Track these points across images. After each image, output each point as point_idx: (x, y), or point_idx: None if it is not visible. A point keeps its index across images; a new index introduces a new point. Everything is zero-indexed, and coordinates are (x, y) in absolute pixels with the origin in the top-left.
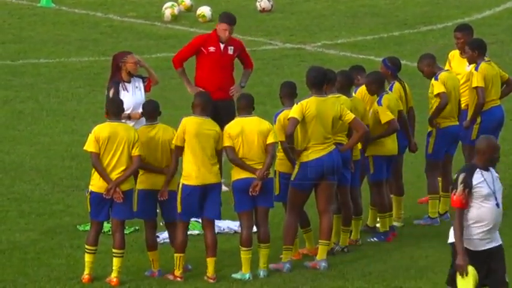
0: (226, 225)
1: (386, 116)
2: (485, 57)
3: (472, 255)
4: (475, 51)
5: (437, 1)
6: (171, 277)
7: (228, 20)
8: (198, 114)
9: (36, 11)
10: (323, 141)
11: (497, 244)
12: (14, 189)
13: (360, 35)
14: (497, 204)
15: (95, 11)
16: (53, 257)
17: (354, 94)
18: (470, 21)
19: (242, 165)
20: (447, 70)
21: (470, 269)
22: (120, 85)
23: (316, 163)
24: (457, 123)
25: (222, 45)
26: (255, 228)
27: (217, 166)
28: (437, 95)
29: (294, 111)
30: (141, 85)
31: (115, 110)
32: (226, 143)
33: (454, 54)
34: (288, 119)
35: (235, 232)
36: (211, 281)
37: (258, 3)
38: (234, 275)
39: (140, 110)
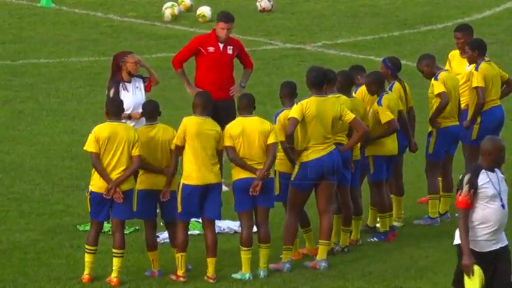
0: (227, 225)
1: (386, 116)
2: (485, 57)
3: (478, 256)
4: (475, 51)
5: (437, 1)
6: (174, 277)
7: (226, 18)
8: (199, 114)
9: (36, 11)
10: (323, 141)
11: (503, 245)
12: (14, 189)
13: (360, 35)
14: (503, 205)
15: (95, 11)
16: (53, 257)
17: (354, 94)
18: (470, 21)
19: (243, 165)
20: (446, 70)
21: (476, 268)
22: (121, 85)
23: (316, 163)
24: (457, 123)
25: (221, 45)
26: (255, 228)
27: (218, 166)
28: (438, 94)
29: (294, 111)
30: (142, 85)
31: (115, 110)
32: (227, 142)
33: (454, 54)
34: (288, 119)
35: (235, 232)
36: (212, 281)
37: (258, 3)
38: (234, 275)
39: (140, 110)
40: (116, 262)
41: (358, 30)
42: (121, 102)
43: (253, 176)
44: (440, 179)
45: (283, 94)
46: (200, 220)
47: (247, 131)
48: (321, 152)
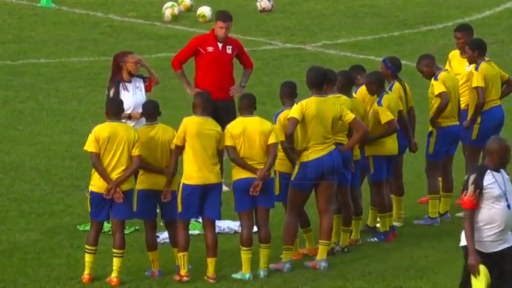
0: (227, 225)
1: (386, 116)
2: (485, 57)
3: (484, 257)
4: (475, 51)
5: (437, 1)
6: (177, 278)
7: (224, 17)
8: (199, 114)
9: (36, 11)
10: (323, 141)
11: (509, 245)
12: (14, 189)
13: (360, 35)
14: (509, 206)
15: (95, 11)
16: (53, 257)
17: (354, 95)
18: (470, 21)
19: (243, 164)
20: (446, 70)
21: (482, 268)
22: (121, 85)
23: (316, 163)
24: (457, 123)
25: (220, 45)
26: (255, 228)
27: (218, 166)
28: (438, 94)
29: (294, 111)
30: (142, 85)
31: (115, 110)
32: (228, 142)
33: (454, 54)
34: (288, 119)
35: (236, 232)
36: (212, 281)
37: (258, 3)
38: (234, 275)
39: (140, 110)
40: (116, 262)
41: (358, 30)
42: (121, 102)
43: (254, 176)
44: (440, 179)
45: (283, 94)
46: (200, 220)
47: (248, 131)
48: (321, 152)
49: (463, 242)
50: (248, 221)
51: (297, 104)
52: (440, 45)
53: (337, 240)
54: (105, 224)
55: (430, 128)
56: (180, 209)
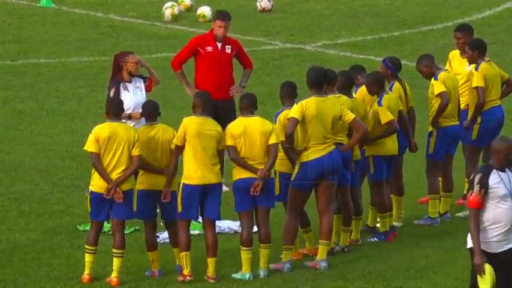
0: (227, 225)
1: (386, 116)
2: (485, 57)
3: (490, 258)
4: (475, 51)
5: (437, 1)
6: (181, 278)
7: (222, 16)
8: (199, 114)
9: (36, 11)
10: (323, 141)
11: None
12: (14, 189)
13: (360, 35)
14: None
15: (95, 11)
16: (53, 257)
17: (354, 95)
18: (470, 21)
19: (244, 164)
20: (446, 70)
21: (487, 267)
22: (121, 85)
23: (316, 163)
24: (457, 123)
25: (219, 45)
26: (255, 228)
27: (218, 166)
28: (439, 94)
29: (294, 111)
30: (142, 85)
31: (115, 110)
32: (229, 142)
33: (454, 54)
34: (288, 119)
35: (236, 232)
36: (212, 281)
37: (258, 3)
38: (234, 275)
39: (141, 110)
40: (116, 262)
41: (358, 30)
42: (121, 102)
43: (254, 176)
44: (440, 179)
45: (284, 94)
46: (200, 220)
47: (249, 131)
48: (321, 152)
49: (470, 243)
50: (248, 221)
51: (297, 104)
52: (440, 45)
53: (337, 240)
54: (105, 224)
55: (430, 128)
56: (180, 209)
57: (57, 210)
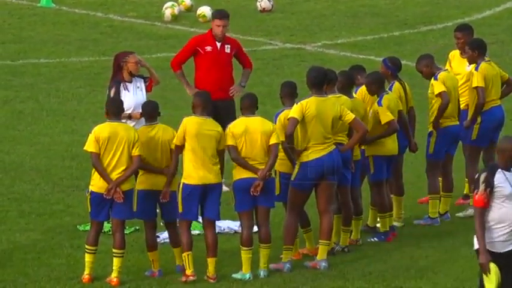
0: (227, 225)
1: (386, 116)
2: (485, 57)
3: (496, 258)
4: (475, 51)
5: (437, 1)
6: (184, 278)
7: (220, 15)
8: (199, 114)
9: (36, 11)
10: (323, 141)
11: None
12: (14, 189)
13: (360, 35)
14: None
15: (95, 11)
16: (53, 257)
17: (354, 95)
18: (470, 21)
19: (245, 164)
20: (446, 70)
21: (492, 266)
22: (121, 85)
23: (316, 163)
24: (458, 122)
25: (218, 44)
26: (255, 228)
27: (218, 166)
28: (439, 94)
29: (294, 111)
30: (143, 85)
31: (115, 110)
32: (230, 142)
33: (454, 54)
34: (288, 119)
35: (236, 232)
36: (212, 281)
37: (258, 3)
38: (234, 275)
39: (141, 110)
40: (116, 262)
41: (358, 30)
42: (121, 102)
43: (254, 176)
44: (440, 179)
45: (284, 94)
46: (200, 220)
47: (250, 130)
48: (321, 152)
49: (477, 245)
50: (248, 221)
51: (297, 104)
52: (440, 45)
53: (337, 240)
54: (105, 224)
55: (430, 128)
56: (180, 209)
57: (57, 210)
